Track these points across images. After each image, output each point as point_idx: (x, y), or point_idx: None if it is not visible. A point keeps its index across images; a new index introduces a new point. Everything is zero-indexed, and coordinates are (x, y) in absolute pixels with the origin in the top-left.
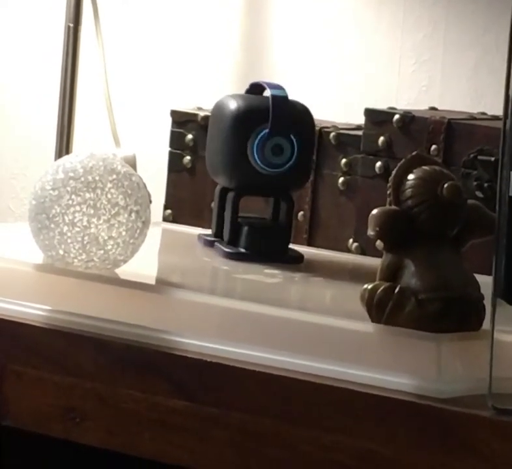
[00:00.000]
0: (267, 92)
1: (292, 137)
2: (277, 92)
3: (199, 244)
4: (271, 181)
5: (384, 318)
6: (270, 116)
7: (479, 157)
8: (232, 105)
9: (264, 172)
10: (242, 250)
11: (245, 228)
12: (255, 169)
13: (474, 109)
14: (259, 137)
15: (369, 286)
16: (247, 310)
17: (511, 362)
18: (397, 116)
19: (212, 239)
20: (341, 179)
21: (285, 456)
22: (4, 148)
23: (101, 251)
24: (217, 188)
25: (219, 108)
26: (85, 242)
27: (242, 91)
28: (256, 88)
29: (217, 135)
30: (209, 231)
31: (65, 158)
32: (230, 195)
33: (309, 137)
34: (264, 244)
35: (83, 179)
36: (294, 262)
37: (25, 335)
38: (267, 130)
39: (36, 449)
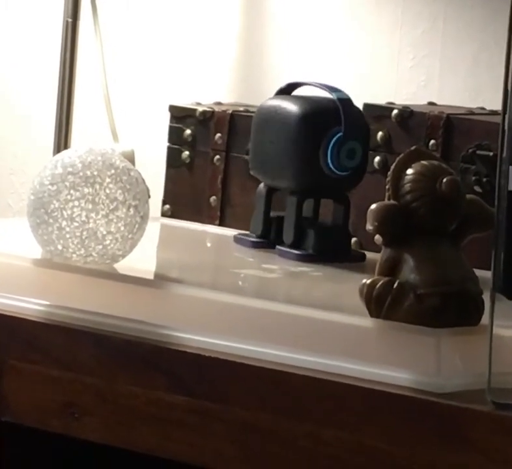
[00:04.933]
0: (297, 92)
1: (362, 140)
2: (342, 95)
3: (236, 245)
4: (335, 183)
5: (382, 313)
6: (342, 121)
7: (478, 152)
8: (295, 107)
9: (333, 176)
10: (311, 252)
11: (312, 231)
12: (323, 172)
13: (473, 104)
14: (333, 141)
15: (368, 281)
16: (246, 305)
17: (510, 357)
18: (395, 111)
19: (258, 240)
20: None
21: (284, 450)
22: (2, 144)
23: (100, 246)
24: (263, 189)
25: (274, 110)
26: (84, 237)
27: (242, 86)
28: (290, 88)
29: (278, 137)
30: (234, 231)
31: (64, 153)
32: (293, 199)
33: (369, 138)
34: (331, 246)
35: (81, 174)
36: (359, 260)
37: (23, 330)
38: (341, 134)
39: (35, 444)
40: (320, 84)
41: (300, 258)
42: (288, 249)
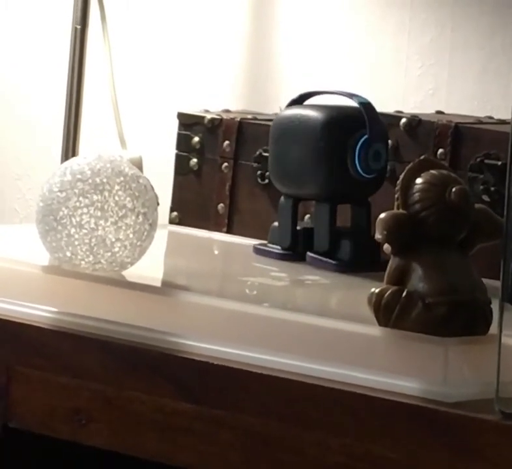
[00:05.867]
0: (310, 101)
1: (385, 142)
2: (362, 99)
3: (255, 256)
4: (362, 187)
5: (391, 322)
6: (367, 124)
7: (486, 161)
8: (318, 114)
9: (360, 180)
10: (346, 261)
11: (345, 241)
12: (350, 177)
13: (481, 112)
14: (360, 144)
15: (377, 290)
16: (253, 313)
17: None
18: (404, 120)
19: (286, 252)
20: None
21: (291, 458)
22: (8, 149)
23: (109, 253)
24: (287, 200)
25: (295, 119)
26: (93, 244)
27: (250, 94)
28: (303, 98)
29: (302, 146)
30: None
31: (73, 160)
32: (324, 206)
33: (388, 140)
34: (366, 255)
35: (90, 181)
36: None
37: (31, 337)
38: (366, 137)
39: (42, 450)
40: (337, 91)
41: (336, 268)
42: (323, 258)
